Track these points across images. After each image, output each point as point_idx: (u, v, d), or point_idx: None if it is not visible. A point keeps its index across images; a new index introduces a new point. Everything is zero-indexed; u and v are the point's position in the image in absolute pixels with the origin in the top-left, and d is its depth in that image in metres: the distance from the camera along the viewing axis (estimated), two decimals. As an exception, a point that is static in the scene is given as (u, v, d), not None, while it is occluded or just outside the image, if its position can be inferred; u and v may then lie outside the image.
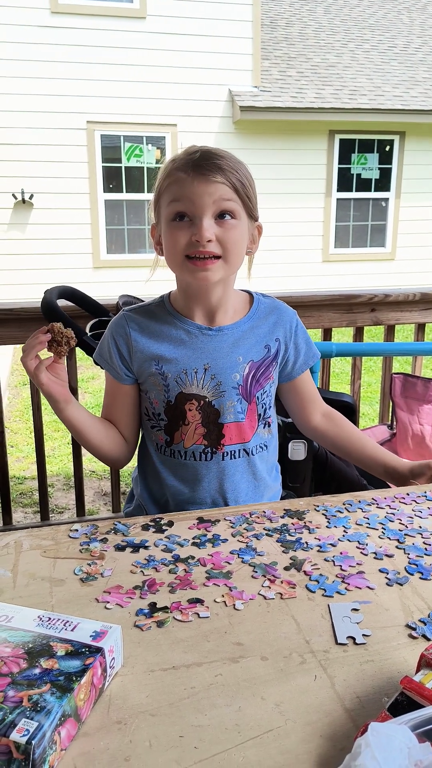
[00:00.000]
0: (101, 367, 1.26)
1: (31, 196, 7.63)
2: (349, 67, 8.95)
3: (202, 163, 1.07)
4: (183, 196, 1.08)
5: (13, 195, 7.59)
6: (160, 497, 1.25)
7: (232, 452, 1.21)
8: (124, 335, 1.20)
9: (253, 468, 1.24)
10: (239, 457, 1.22)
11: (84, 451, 2.25)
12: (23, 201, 7.62)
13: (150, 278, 1.22)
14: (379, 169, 8.88)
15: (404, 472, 1.26)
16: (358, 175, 8.83)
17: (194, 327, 1.18)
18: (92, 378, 5.22)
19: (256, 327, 1.21)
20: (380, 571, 0.92)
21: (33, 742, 0.56)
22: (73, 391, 2.22)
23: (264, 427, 1.25)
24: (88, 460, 3.54)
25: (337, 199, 8.76)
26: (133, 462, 1.34)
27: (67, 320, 1.63)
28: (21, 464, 3.65)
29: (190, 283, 1.15)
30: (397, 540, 1.00)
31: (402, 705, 0.60)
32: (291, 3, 10.31)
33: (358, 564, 0.94)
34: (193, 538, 1.01)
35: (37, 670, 0.65)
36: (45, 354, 1.09)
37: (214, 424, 1.18)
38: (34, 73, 7.40)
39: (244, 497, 1.23)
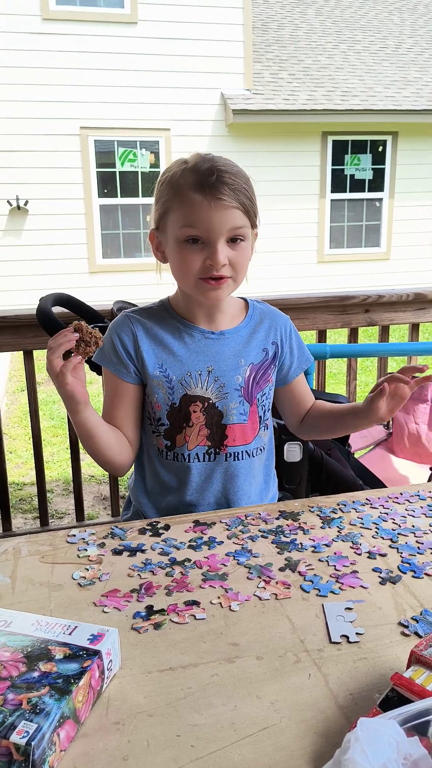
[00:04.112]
0: (100, 371, 1.26)
1: (26, 203, 7.65)
2: (341, 69, 8.99)
3: (216, 185, 1.06)
4: (197, 222, 1.07)
5: (8, 201, 7.61)
6: (160, 502, 1.25)
7: (236, 454, 1.22)
8: (131, 334, 1.20)
9: (254, 470, 1.26)
10: (242, 459, 1.23)
11: (83, 456, 2.26)
12: (18, 207, 7.64)
13: (159, 282, 1.23)
14: (373, 169, 8.91)
15: (365, 405, 1.16)
16: (352, 175, 8.86)
17: (197, 331, 1.21)
18: (90, 383, 5.22)
19: (254, 331, 1.24)
20: (374, 570, 0.93)
21: (32, 743, 0.57)
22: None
23: (264, 429, 1.27)
24: (87, 465, 3.55)
25: (331, 200, 8.79)
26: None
27: (63, 327, 1.64)
28: (20, 470, 3.66)
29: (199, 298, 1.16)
30: (390, 539, 1.02)
31: (392, 701, 0.61)
32: (282, 5, 10.35)
33: (351, 564, 0.95)
34: (190, 541, 1.02)
35: (35, 674, 0.66)
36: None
37: (218, 426, 1.20)
38: (27, 79, 7.42)
39: (246, 500, 1.25)
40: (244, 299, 1.29)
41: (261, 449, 1.27)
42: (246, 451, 1.23)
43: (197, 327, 1.21)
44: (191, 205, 1.07)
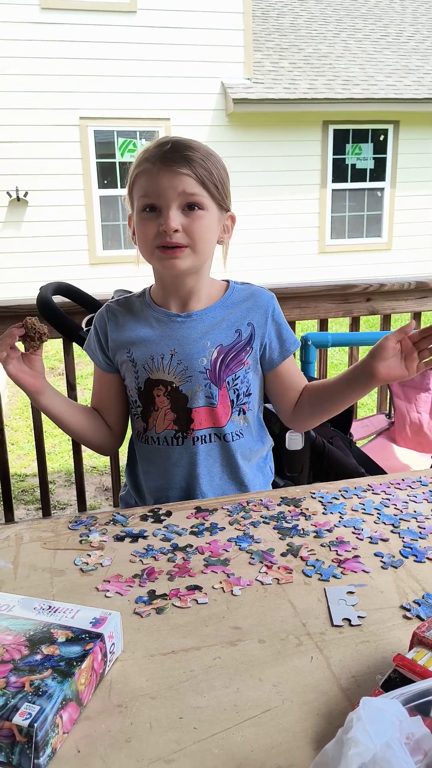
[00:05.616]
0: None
1: (26, 194, 7.62)
2: (342, 57, 8.92)
3: (169, 155, 1.09)
4: (150, 189, 1.10)
5: (8, 193, 7.59)
6: (139, 485, 1.29)
7: (203, 437, 1.21)
8: (103, 325, 1.25)
9: (228, 454, 1.23)
10: (211, 441, 1.22)
11: (84, 447, 2.26)
12: (18, 199, 7.61)
13: (137, 269, 1.24)
14: (374, 158, 8.87)
15: (364, 367, 1.09)
16: (353, 165, 8.82)
17: (164, 314, 1.21)
18: (91, 374, 5.23)
19: (229, 313, 1.21)
20: (375, 555, 0.93)
21: (35, 725, 0.57)
22: (71, 386, 2.23)
23: (238, 414, 1.23)
24: (89, 456, 3.55)
25: (333, 190, 8.75)
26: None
27: (62, 316, 1.64)
28: (22, 461, 3.66)
29: (162, 273, 1.18)
30: (392, 525, 1.02)
31: (395, 682, 0.61)
32: (282, -7, 10.27)
33: (353, 549, 0.95)
34: (191, 527, 1.02)
35: (38, 657, 0.66)
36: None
37: (183, 410, 1.19)
38: (25, 70, 7.37)
39: (218, 482, 1.24)
40: (228, 282, 1.25)
41: (238, 434, 1.23)
42: (216, 434, 1.21)
43: (165, 310, 1.21)
44: (145, 173, 1.11)
